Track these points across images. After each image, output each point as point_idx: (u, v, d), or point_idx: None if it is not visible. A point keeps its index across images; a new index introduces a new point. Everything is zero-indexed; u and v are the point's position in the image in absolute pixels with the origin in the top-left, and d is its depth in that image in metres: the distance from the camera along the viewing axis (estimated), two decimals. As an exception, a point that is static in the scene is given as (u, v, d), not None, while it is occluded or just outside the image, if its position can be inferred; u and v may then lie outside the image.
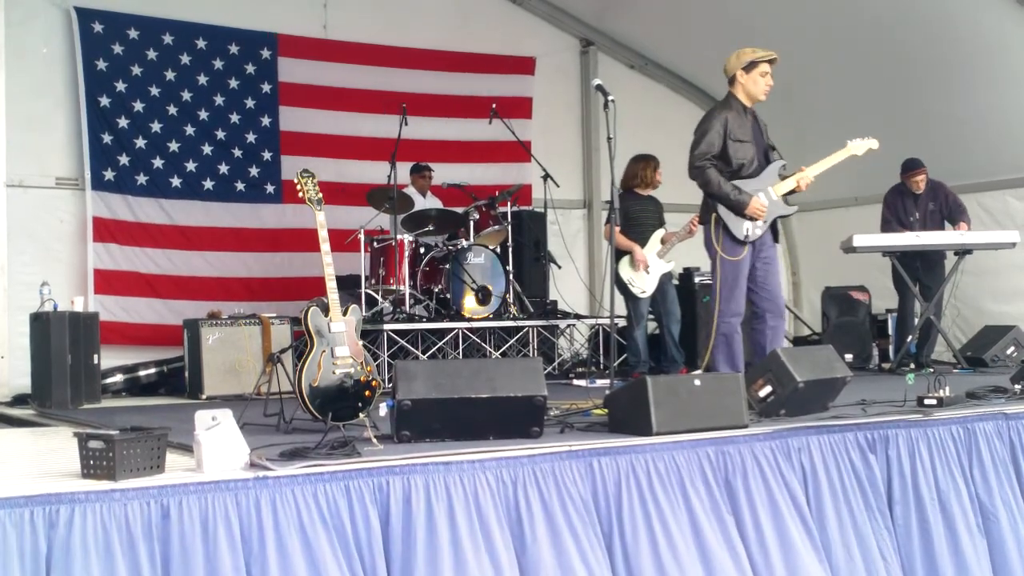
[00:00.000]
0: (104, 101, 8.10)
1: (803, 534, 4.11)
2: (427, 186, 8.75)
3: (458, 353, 7.82)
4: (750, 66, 5.75)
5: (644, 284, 7.65)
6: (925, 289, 8.23)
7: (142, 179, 8.26)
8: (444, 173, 8.88)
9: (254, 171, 8.77)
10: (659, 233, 7.76)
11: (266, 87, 8.88)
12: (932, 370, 7.00)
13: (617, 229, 7.21)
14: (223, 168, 8.64)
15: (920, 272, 8.29)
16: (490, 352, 8.07)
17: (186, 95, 8.52)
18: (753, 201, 5.65)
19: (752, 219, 5.67)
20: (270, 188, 8.84)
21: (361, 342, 4.69)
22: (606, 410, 4.51)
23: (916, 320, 8.24)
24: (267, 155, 8.84)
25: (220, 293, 8.38)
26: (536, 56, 10.12)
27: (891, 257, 8.20)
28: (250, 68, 8.81)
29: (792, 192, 5.89)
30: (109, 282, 8.02)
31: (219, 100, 8.68)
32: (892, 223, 8.32)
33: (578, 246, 10.17)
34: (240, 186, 8.71)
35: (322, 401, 4.41)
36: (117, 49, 8.18)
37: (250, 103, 8.80)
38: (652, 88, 10.67)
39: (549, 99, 10.19)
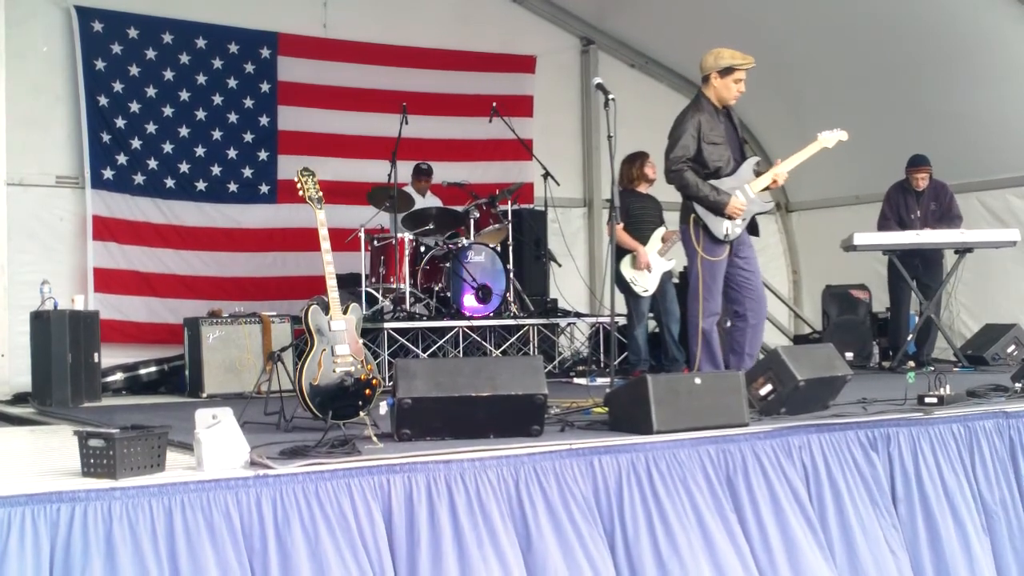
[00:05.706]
0: (103, 101, 8.09)
1: (807, 531, 4.11)
2: (427, 187, 8.74)
3: (458, 351, 7.82)
4: (727, 71, 5.67)
5: (647, 283, 7.65)
6: (924, 288, 8.21)
7: (139, 179, 8.25)
8: (444, 172, 8.87)
9: (248, 172, 8.75)
10: (660, 232, 7.77)
11: (265, 86, 8.86)
12: (933, 368, 6.99)
13: (620, 226, 7.21)
14: (216, 169, 8.62)
15: (920, 271, 8.28)
16: (490, 350, 8.07)
17: (184, 95, 8.50)
18: (732, 200, 5.63)
19: (731, 218, 5.67)
20: (264, 188, 8.82)
21: (361, 340, 4.69)
22: (606, 409, 4.50)
23: (913, 319, 8.23)
24: (263, 155, 8.81)
25: (216, 292, 8.37)
26: (537, 55, 10.11)
27: (891, 255, 8.19)
28: (249, 67, 8.79)
29: (768, 188, 5.87)
30: (109, 281, 8.00)
31: (217, 100, 8.66)
32: (891, 220, 8.31)
33: (578, 244, 10.15)
34: (233, 187, 8.69)
35: (322, 399, 4.40)
36: (116, 49, 8.16)
37: (248, 103, 8.78)
38: (653, 87, 10.65)
39: (550, 98, 10.18)
